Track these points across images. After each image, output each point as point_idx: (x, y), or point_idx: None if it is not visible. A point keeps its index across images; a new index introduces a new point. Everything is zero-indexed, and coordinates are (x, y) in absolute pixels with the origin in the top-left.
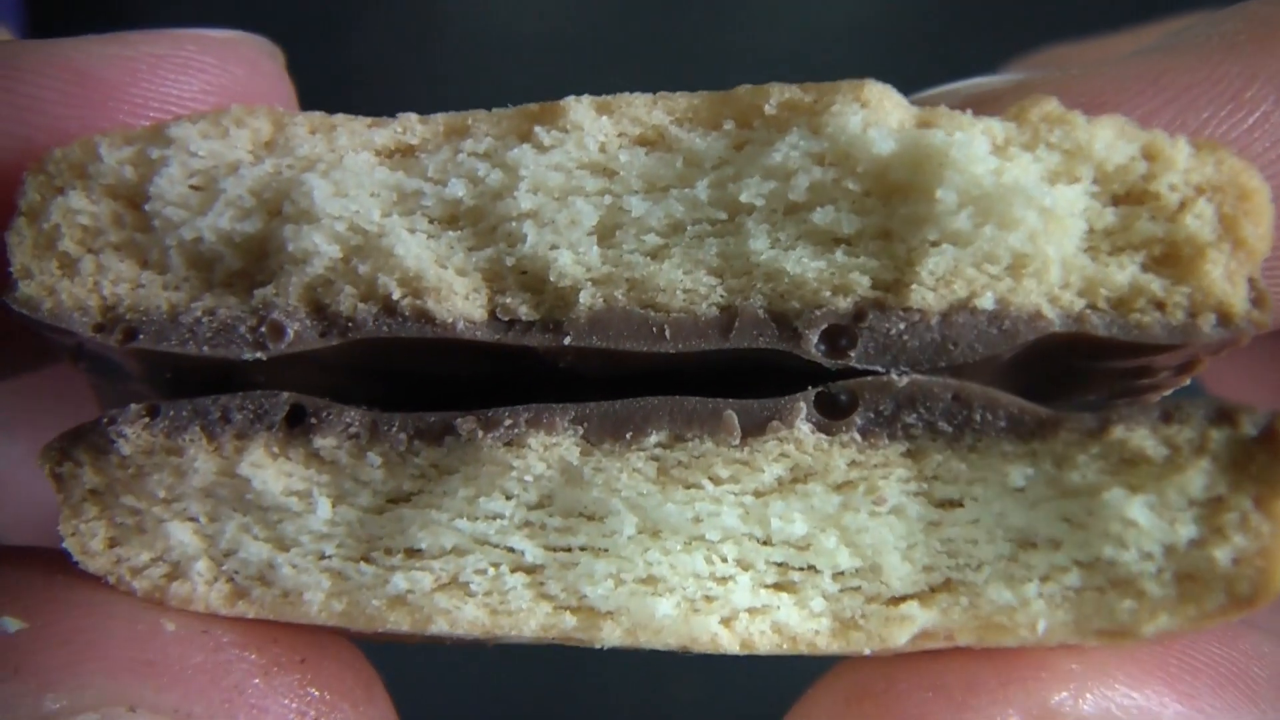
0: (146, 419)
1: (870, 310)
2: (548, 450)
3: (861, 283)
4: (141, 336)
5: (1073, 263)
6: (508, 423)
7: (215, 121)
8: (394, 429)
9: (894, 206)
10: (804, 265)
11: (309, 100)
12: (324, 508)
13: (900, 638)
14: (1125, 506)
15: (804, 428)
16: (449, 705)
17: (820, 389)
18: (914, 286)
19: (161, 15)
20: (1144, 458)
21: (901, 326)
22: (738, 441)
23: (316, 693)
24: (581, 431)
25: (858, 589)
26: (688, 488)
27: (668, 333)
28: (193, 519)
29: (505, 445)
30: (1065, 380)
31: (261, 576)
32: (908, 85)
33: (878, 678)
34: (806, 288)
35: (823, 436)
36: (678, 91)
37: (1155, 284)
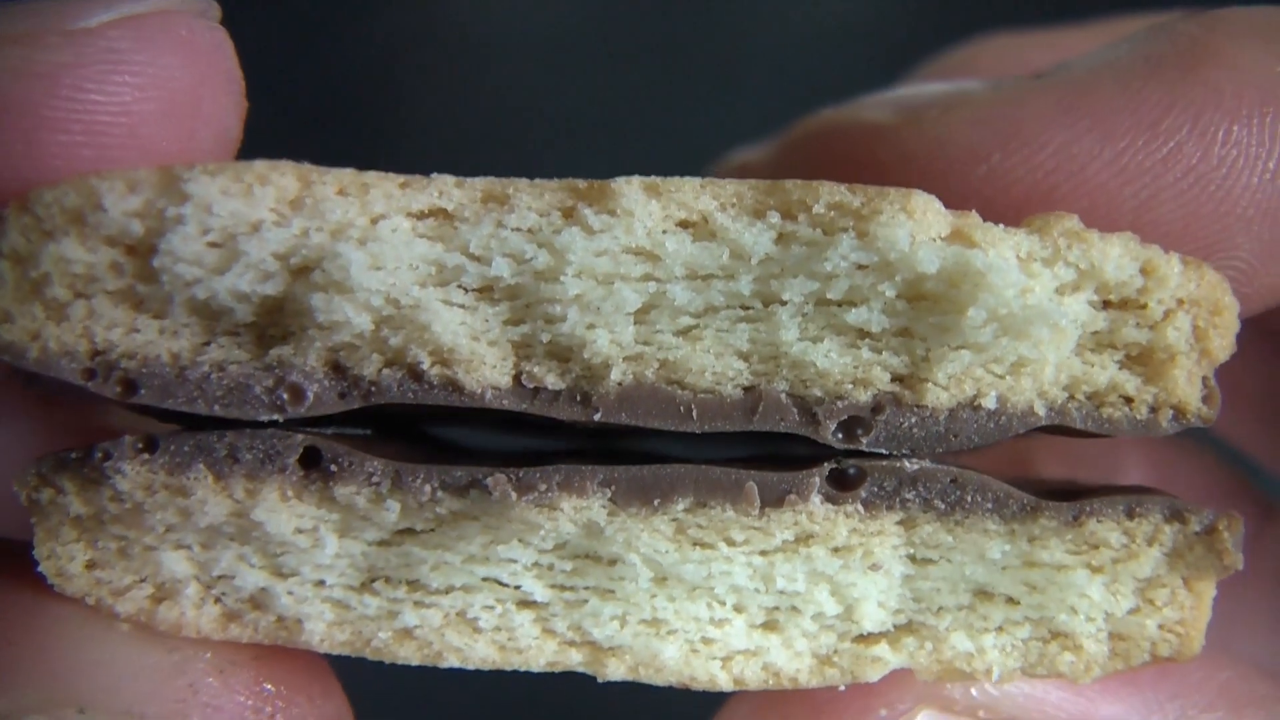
0: (146, 454)
1: (888, 405)
2: (578, 513)
3: (882, 378)
4: (143, 391)
5: (1065, 363)
6: (542, 487)
7: (237, 177)
8: (418, 480)
9: (921, 312)
10: (831, 360)
11: (305, 103)
12: (331, 544)
13: (873, 676)
14: (1086, 585)
15: (815, 499)
16: (440, 700)
17: (834, 465)
18: (930, 386)
19: None
20: (1106, 544)
21: (913, 420)
22: (757, 512)
23: (272, 688)
24: (610, 494)
25: (831, 627)
26: (704, 548)
27: (695, 413)
28: (185, 546)
29: (537, 507)
30: None
31: (253, 600)
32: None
33: None
34: (830, 379)
35: (830, 506)
36: (725, 179)
37: (1129, 383)
